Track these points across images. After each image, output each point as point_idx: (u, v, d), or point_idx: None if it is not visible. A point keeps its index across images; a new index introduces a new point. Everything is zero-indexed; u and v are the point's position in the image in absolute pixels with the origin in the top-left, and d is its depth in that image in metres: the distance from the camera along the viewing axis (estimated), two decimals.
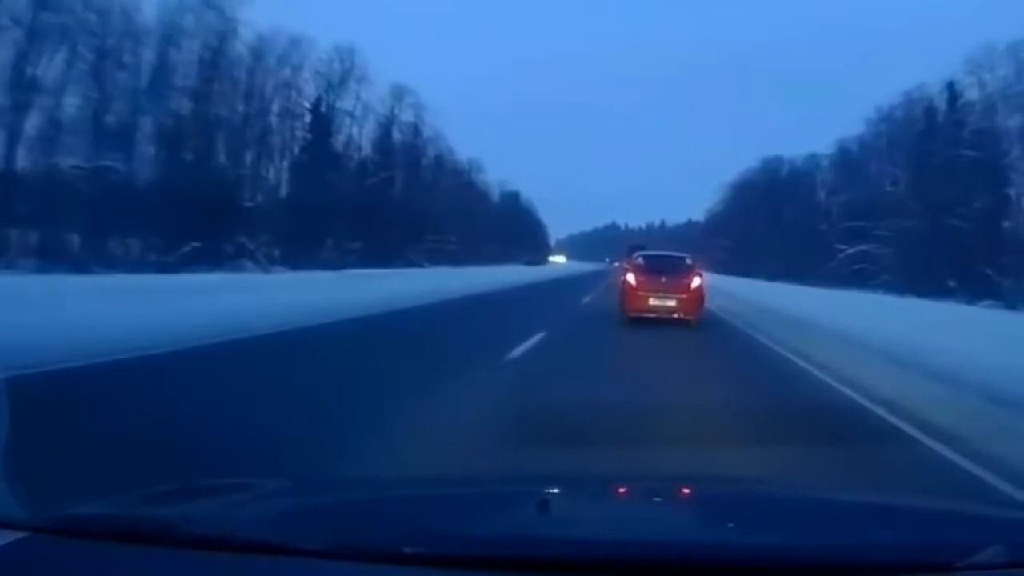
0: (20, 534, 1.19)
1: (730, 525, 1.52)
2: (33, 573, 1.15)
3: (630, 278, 13.75)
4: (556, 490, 1.74)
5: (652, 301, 13.29)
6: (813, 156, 50.78)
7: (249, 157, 32.19)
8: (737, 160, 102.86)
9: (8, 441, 1.42)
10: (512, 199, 73.77)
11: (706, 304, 14.48)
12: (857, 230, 39.55)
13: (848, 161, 45.33)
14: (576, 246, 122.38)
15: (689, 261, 14.45)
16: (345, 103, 38.08)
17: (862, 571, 1.19)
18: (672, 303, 13.26)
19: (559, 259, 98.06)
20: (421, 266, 38.07)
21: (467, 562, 1.14)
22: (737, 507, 1.65)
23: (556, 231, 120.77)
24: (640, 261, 14.36)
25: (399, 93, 41.92)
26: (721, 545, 1.32)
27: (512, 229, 68.45)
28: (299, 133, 35.61)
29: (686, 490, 1.85)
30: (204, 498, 1.51)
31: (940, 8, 71.56)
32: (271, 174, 34.44)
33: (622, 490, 1.86)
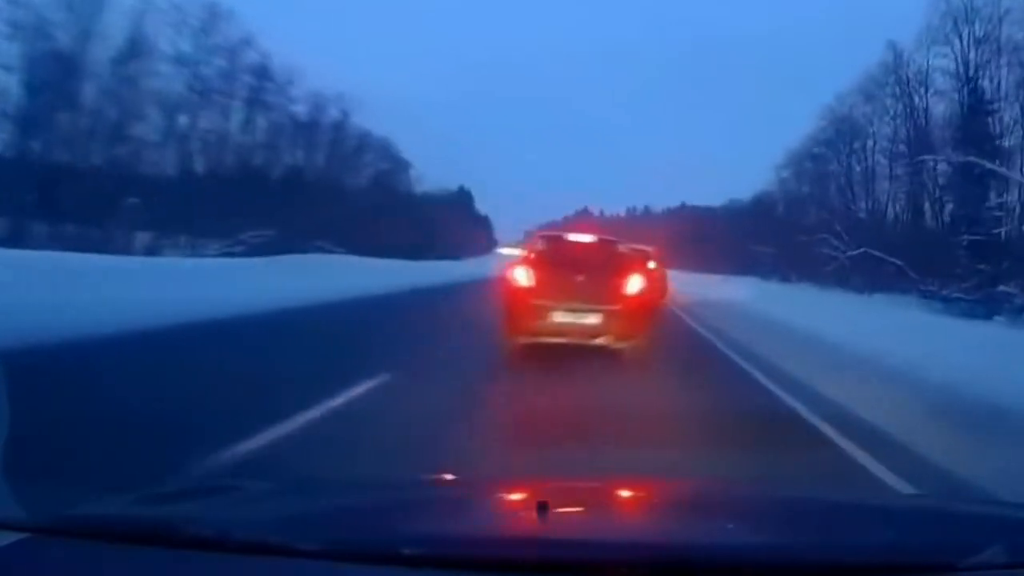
0: (20, 534, 1.19)
1: (730, 525, 1.52)
2: (33, 573, 1.15)
3: (519, 276, 7.98)
4: (556, 490, 1.74)
5: (558, 317, 7.70)
6: None
7: None
8: (726, 145, 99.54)
9: (7, 441, 1.42)
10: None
11: None
12: None
13: None
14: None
15: (622, 249, 9.06)
16: None
17: (862, 571, 1.19)
18: (592, 320, 7.74)
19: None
20: None
21: (467, 562, 1.14)
22: (737, 507, 1.66)
23: (526, 224, 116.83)
24: (541, 247, 8.57)
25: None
26: (721, 545, 1.32)
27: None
28: None
29: (685, 491, 1.85)
30: (204, 498, 1.51)
31: None
32: None
33: (621, 491, 1.86)
